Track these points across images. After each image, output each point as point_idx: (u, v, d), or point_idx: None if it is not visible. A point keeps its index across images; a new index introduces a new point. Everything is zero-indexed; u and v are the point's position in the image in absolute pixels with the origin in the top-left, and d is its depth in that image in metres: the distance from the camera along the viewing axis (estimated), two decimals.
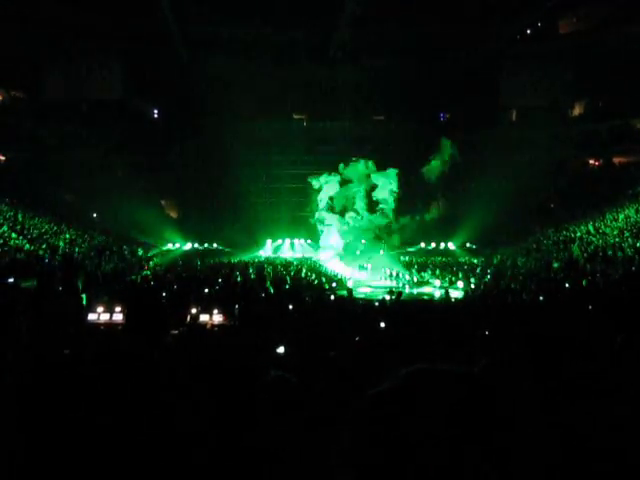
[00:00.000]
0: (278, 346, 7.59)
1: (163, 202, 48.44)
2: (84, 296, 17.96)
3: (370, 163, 46.90)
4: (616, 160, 47.66)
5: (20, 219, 35.38)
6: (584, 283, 22.99)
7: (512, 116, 53.26)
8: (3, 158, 46.68)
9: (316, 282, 27.76)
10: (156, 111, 53.74)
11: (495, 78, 49.94)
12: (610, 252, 31.13)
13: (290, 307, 15.19)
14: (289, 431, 2.94)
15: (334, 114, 49.81)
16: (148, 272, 30.96)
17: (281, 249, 48.50)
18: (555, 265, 30.87)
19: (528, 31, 48.20)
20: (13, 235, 31.43)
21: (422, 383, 1.00)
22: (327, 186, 47.33)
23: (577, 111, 51.75)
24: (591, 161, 49.83)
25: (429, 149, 47.61)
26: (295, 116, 54.12)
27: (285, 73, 48.49)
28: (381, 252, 43.32)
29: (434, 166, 46.81)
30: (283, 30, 44.58)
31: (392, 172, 46.05)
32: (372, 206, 47.23)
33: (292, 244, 48.66)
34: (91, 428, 2.96)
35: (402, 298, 18.12)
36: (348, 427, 1.01)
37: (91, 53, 46.71)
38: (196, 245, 46.21)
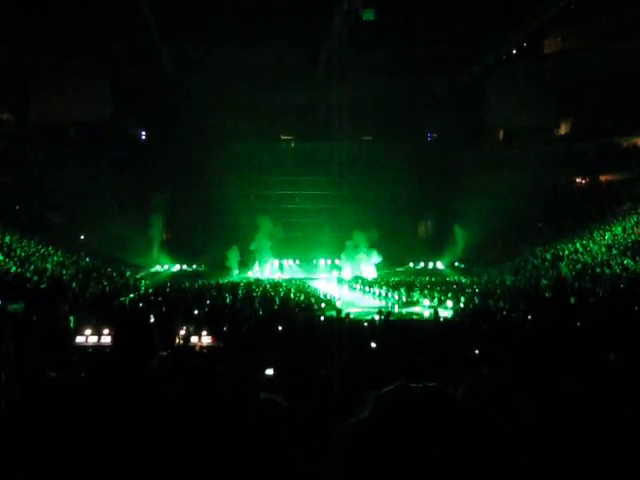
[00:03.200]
0: (267, 368, 7.55)
1: (151, 223, 48.33)
2: (72, 319, 17.86)
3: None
4: (602, 178, 47.93)
5: (7, 241, 35.21)
6: (572, 301, 23.05)
7: (499, 135, 53.57)
8: None
9: (305, 303, 27.68)
10: (144, 133, 53.75)
11: (481, 98, 50.21)
12: (598, 270, 31.25)
13: (279, 328, 15.14)
14: (279, 453, 2.92)
15: (322, 135, 49.93)
16: (135, 295, 30.80)
17: (283, 269, 48.44)
18: (543, 283, 30.94)
19: (514, 51, 48.55)
20: (0, 257, 31.27)
21: (401, 408, 0.99)
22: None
23: (563, 130, 52.12)
24: (578, 179, 50.08)
25: (417, 168, 47.87)
26: (283, 137, 54.24)
27: (273, 94, 48.64)
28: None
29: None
30: (271, 53, 44.75)
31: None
32: None
33: (281, 265, 48.58)
34: (79, 449, 2.93)
35: (391, 318, 18.10)
36: (332, 457, 0.99)
37: (78, 75, 46.66)
38: (184, 267, 46.09)
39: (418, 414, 0.96)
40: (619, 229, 36.99)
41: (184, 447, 3.10)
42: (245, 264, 47.18)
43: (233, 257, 46.24)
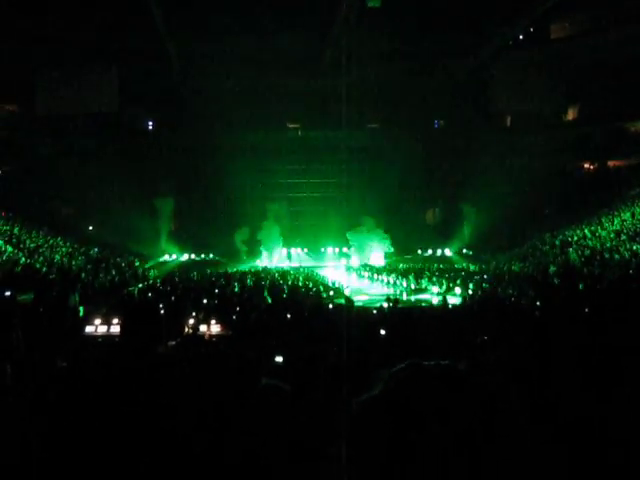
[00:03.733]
0: (276, 355, 7.57)
1: (159, 213, 48.40)
2: (81, 309, 17.95)
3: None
4: (611, 164, 47.78)
5: (16, 232, 35.36)
6: (581, 287, 23.00)
7: (506, 122, 53.41)
8: None
9: (314, 291, 27.71)
10: (150, 123, 53.77)
11: (488, 84, 50.03)
12: (607, 255, 31.18)
13: (288, 316, 15.17)
14: (281, 437, 2.93)
15: (329, 123, 49.84)
16: (144, 284, 30.87)
17: (291, 257, 48.45)
18: (552, 269, 30.90)
19: (520, 36, 48.30)
20: (9, 249, 31.40)
21: (414, 384, 0.99)
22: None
23: (571, 115, 51.91)
24: (586, 165, 49.94)
25: (424, 157, 47.85)
26: (290, 125, 54.18)
27: (279, 83, 48.55)
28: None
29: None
30: (276, 41, 44.59)
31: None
32: None
33: (289, 253, 48.60)
34: (89, 437, 2.95)
35: (400, 305, 18.10)
36: (343, 433, 1.00)
37: (84, 66, 46.69)
38: (193, 256, 46.18)
39: (430, 389, 0.97)
40: (628, 214, 36.90)
41: (188, 432, 3.12)
42: (253, 252, 47.24)
43: (242, 243, 46.38)
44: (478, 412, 0.95)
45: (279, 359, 7.46)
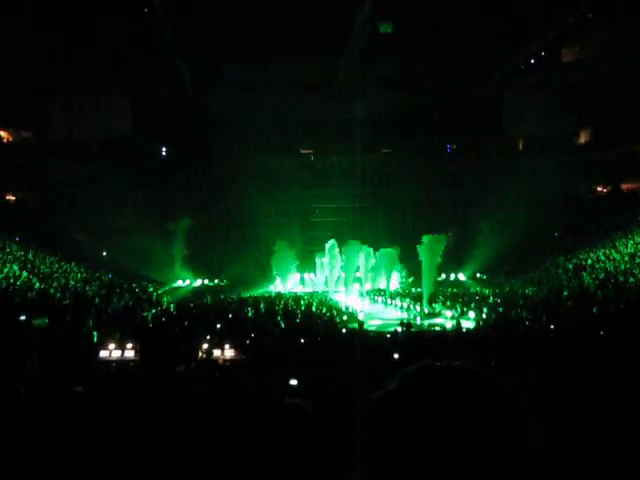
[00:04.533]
0: (291, 379, 7.59)
1: (172, 239, 48.54)
2: (95, 334, 18.01)
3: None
4: (624, 187, 47.66)
5: (30, 257, 35.57)
6: (595, 310, 22.89)
7: (518, 145, 53.46)
8: (13, 198, 47.01)
9: (327, 316, 27.68)
10: (164, 149, 54.13)
11: (500, 108, 50.15)
12: (621, 278, 31.02)
13: (302, 341, 15.17)
14: (305, 458, 2.95)
15: (342, 148, 50.05)
16: (157, 310, 30.91)
17: (305, 282, 48.33)
18: (566, 293, 30.76)
19: (532, 60, 48.49)
20: (24, 274, 31.57)
21: (427, 380, 1.02)
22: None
23: (583, 139, 51.90)
24: (599, 188, 49.85)
25: (437, 181, 47.91)
26: (303, 151, 54.40)
27: (292, 109, 48.80)
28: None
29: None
30: (289, 66, 44.95)
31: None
32: None
33: (302, 279, 48.53)
34: (105, 461, 2.98)
35: (414, 329, 18.08)
36: (358, 431, 1.02)
37: (97, 92, 47.18)
38: (206, 281, 46.24)
39: (443, 386, 0.99)
40: None
41: (211, 452, 3.14)
42: (267, 278, 47.22)
43: (255, 268, 46.36)
44: (491, 410, 0.97)
45: (294, 382, 7.48)
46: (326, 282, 46.78)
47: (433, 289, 38.17)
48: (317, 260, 47.84)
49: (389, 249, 44.76)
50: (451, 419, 0.93)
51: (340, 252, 46.06)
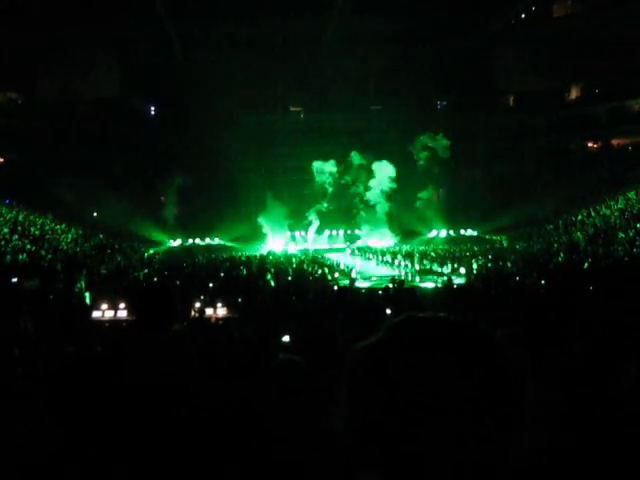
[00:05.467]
0: (283, 335, 7.64)
1: (163, 198, 48.35)
2: (87, 295, 18.04)
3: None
4: (615, 142, 47.61)
5: (21, 220, 35.41)
6: (586, 265, 23.02)
7: (509, 101, 53.22)
8: (1, 160, 46.65)
9: (319, 273, 27.76)
10: (153, 108, 53.67)
11: (491, 64, 49.83)
12: (611, 234, 31.17)
13: (293, 298, 15.23)
14: (298, 412, 2.99)
15: (331, 106, 49.72)
16: (149, 270, 30.93)
17: (296, 240, 48.45)
18: (556, 248, 30.89)
19: (522, 15, 48.04)
20: (14, 237, 31.45)
21: (410, 330, 1.03)
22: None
23: (574, 94, 51.68)
24: (589, 144, 49.79)
25: (428, 137, 47.73)
26: (292, 109, 54.03)
27: (281, 66, 48.42)
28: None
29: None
30: (278, 24, 44.41)
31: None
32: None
33: (293, 237, 48.58)
34: (101, 420, 3.00)
35: (405, 286, 18.13)
36: (343, 380, 1.03)
37: (86, 52, 46.55)
38: (197, 240, 46.25)
39: (425, 335, 1.00)
40: (632, 193, 36.79)
41: (206, 409, 3.17)
42: (258, 236, 47.26)
43: (246, 227, 46.39)
44: (473, 358, 0.98)
45: (286, 339, 7.53)
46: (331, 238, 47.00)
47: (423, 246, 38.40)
48: (309, 217, 47.93)
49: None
50: (432, 367, 0.94)
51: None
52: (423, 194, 47.05)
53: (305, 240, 48.16)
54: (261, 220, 47.24)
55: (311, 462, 2.76)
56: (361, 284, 24.80)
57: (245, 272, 26.98)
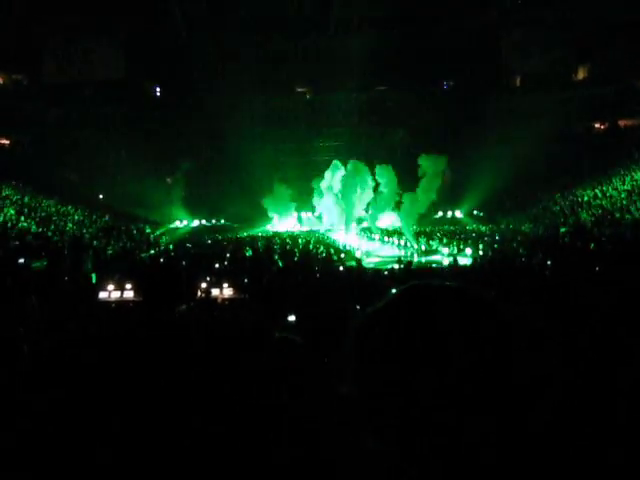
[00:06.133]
0: (289, 315, 7.68)
1: (169, 180, 48.38)
2: (94, 275, 18.08)
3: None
4: (622, 123, 47.36)
5: (27, 201, 35.51)
6: (592, 247, 22.98)
7: (516, 82, 52.94)
8: (7, 142, 46.67)
9: (324, 254, 27.78)
10: (158, 89, 53.55)
11: (498, 44, 49.57)
12: (618, 215, 31.08)
13: (299, 278, 15.25)
14: (296, 387, 3.01)
15: (337, 86, 49.52)
16: (156, 250, 31.03)
17: (302, 221, 48.43)
18: (562, 230, 30.84)
19: None
20: (21, 218, 31.56)
21: (413, 296, 1.04)
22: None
23: (581, 75, 51.36)
24: (596, 125, 49.53)
25: (434, 118, 47.56)
26: (298, 89, 53.85)
27: (287, 46, 48.23)
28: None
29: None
30: (283, 1, 44.26)
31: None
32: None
33: (299, 217, 48.59)
34: (106, 404, 3.02)
35: (411, 267, 18.14)
36: (348, 343, 1.04)
37: (91, 33, 46.45)
38: (203, 222, 46.32)
39: (428, 300, 1.01)
40: (639, 174, 36.64)
41: (210, 387, 3.19)
42: (264, 217, 47.31)
43: (253, 207, 46.41)
44: (476, 321, 0.99)
45: (292, 318, 7.57)
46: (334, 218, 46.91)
47: (430, 226, 38.39)
48: (315, 198, 47.91)
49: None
50: (435, 330, 0.95)
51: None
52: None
53: (311, 221, 48.16)
54: (267, 201, 47.26)
55: (313, 432, 2.78)
56: (367, 261, 24.86)
57: (251, 253, 27.02)
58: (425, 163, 41.78)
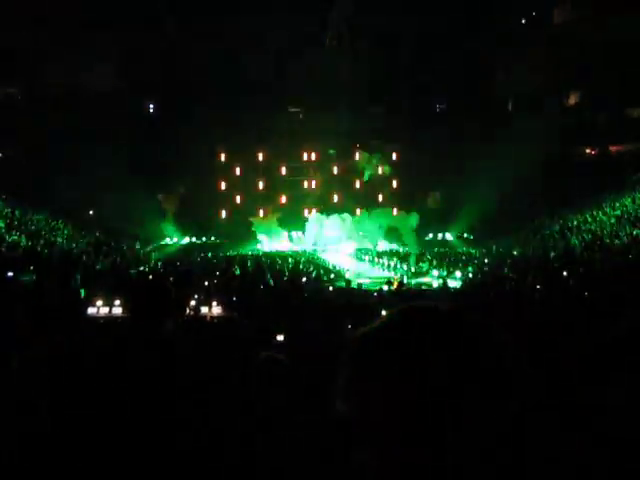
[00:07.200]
0: (277, 335, 7.67)
1: (160, 197, 48.30)
2: (82, 291, 18.00)
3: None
4: (613, 149, 47.64)
5: (17, 215, 35.41)
6: (581, 271, 23.05)
7: (507, 105, 53.27)
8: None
9: (314, 274, 27.77)
10: (152, 105, 53.57)
11: (490, 68, 49.93)
12: (607, 240, 31.21)
13: (289, 298, 15.24)
14: (282, 401, 3.02)
15: (330, 106, 49.66)
16: (145, 267, 30.99)
17: (293, 240, 48.45)
18: (552, 254, 30.93)
19: (523, 20, 48.14)
20: (12, 233, 31.47)
21: (406, 318, 1.04)
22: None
23: (572, 100, 51.70)
24: (587, 150, 49.81)
25: (425, 140, 47.77)
26: (291, 109, 53.96)
27: (279, 65, 48.42)
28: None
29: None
30: (278, 20, 44.46)
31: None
32: None
33: (290, 236, 48.56)
34: (96, 419, 3.00)
35: (402, 288, 18.17)
36: (344, 365, 1.04)
37: (84, 47, 46.49)
38: (194, 239, 46.25)
39: (420, 322, 1.01)
40: (629, 200, 36.85)
41: (198, 405, 3.18)
42: (255, 236, 47.26)
43: (244, 226, 46.44)
44: (468, 345, 0.99)
45: (280, 338, 7.56)
46: (314, 241, 46.93)
47: (420, 249, 38.42)
48: (306, 218, 48.02)
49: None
50: (427, 353, 0.95)
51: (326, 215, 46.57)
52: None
53: (301, 241, 48.13)
54: (257, 220, 47.33)
55: (297, 451, 2.78)
56: (357, 282, 24.87)
57: (240, 271, 27.00)
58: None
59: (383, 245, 44.90)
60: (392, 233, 44.52)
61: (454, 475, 0.94)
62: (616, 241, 30.59)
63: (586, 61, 45.19)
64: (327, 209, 48.16)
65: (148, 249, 40.45)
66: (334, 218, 46.21)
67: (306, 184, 51.15)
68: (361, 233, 46.34)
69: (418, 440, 0.95)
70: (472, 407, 0.95)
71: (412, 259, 33.48)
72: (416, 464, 0.95)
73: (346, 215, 46.54)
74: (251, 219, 47.20)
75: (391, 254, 37.62)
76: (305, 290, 17.65)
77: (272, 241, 47.23)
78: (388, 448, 0.96)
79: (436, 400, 0.94)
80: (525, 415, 1.02)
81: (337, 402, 1.03)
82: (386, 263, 34.67)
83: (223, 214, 48.51)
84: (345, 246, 44.51)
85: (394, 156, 50.33)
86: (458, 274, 28.21)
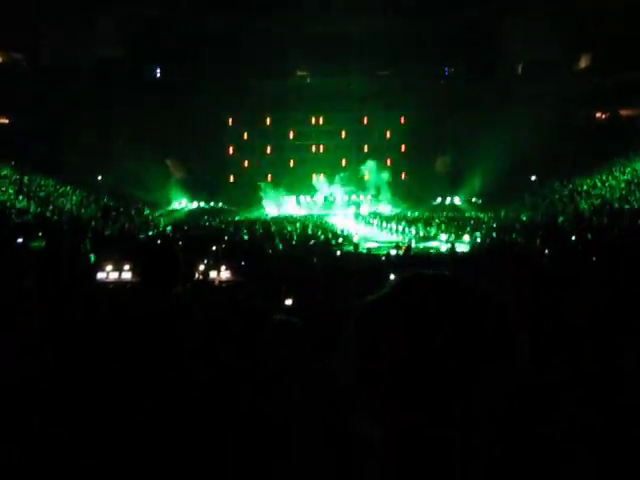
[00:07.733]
0: (286, 299, 7.71)
1: (168, 162, 48.24)
2: (92, 256, 18.07)
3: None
4: (623, 113, 47.22)
5: (26, 182, 35.46)
6: (589, 236, 22.97)
7: (517, 70, 52.78)
8: (6, 121, 46.43)
9: (322, 238, 27.78)
10: (158, 70, 53.29)
11: (499, 32, 49.44)
12: (617, 205, 31.06)
13: (297, 262, 15.27)
14: (293, 365, 3.05)
15: (338, 70, 49.35)
16: (154, 232, 31.04)
17: (300, 205, 48.49)
18: (561, 219, 30.82)
19: None
20: (20, 197, 31.55)
21: (414, 286, 1.05)
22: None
23: (583, 64, 51.16)
24: (597, 114, 49.39)
25: (434, 105, 47.51)
26: (299, 73, 53.66)
27: (288, 29, 48.03)
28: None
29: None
30: None
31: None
32: None
33: (298, 200, 48.52)
34: (108, 383, 3.04)
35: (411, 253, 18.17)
36: (346, 333, 1.06)
37: (89, 13, 46.21)
38: (202, 204, 46.28)
39: (428, 290, 1.03)
40: (639, 164, 36.59)
41: (210, 370, 3.22)
42: (263, 200, 47.29)
43: (251, 190, 46.45)
44: (474, 314, 1.01)
45: (289, 302, 7.60)
46: (324, 204, 47.00)
47: (428, 213, 38.39)
48: (314, 182, 47.96)
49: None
50: (432, 317, 0.97)
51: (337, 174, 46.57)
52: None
53: (310, 205, 48.14)
54: (265, 184, 47.30)
55: (306, 411, 2.81)
56: (365, 246, 24.89)
57: (248, 236, 27.04)
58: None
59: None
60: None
61: (462, 441, 0.97)
62: (626, 206, 30.44)
63: (597, 24, 44.61)
64: (335, 173, 48.15)
65: (157, 214, 40.51)
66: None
67: (314, 148, 50.99)
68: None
69: (424, 405, 0.97)
70: (477, 368, 0.97)
71: (420, 223, 33.46)
72: (420, 430, 0.98)
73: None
74: (259, 183, 47.21)
75: (399, 218, 37.54)
76: (314, 254, 17.66)
77: (280, 205, 47.24)
78: (392, 415, 0.99)
79: (442, 363, 0.96)
80: (528, 377, 1.04)
81: (343, 369, 1.05)
82: (394, 227, 34.64)
83: (231, 179, 48.44)
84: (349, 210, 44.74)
85: (402, 120, 50.02)
86: (466, 238, 28.18)
